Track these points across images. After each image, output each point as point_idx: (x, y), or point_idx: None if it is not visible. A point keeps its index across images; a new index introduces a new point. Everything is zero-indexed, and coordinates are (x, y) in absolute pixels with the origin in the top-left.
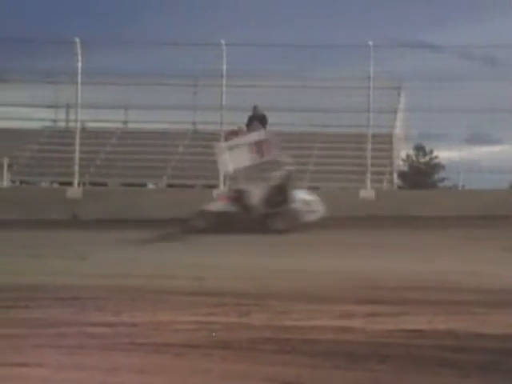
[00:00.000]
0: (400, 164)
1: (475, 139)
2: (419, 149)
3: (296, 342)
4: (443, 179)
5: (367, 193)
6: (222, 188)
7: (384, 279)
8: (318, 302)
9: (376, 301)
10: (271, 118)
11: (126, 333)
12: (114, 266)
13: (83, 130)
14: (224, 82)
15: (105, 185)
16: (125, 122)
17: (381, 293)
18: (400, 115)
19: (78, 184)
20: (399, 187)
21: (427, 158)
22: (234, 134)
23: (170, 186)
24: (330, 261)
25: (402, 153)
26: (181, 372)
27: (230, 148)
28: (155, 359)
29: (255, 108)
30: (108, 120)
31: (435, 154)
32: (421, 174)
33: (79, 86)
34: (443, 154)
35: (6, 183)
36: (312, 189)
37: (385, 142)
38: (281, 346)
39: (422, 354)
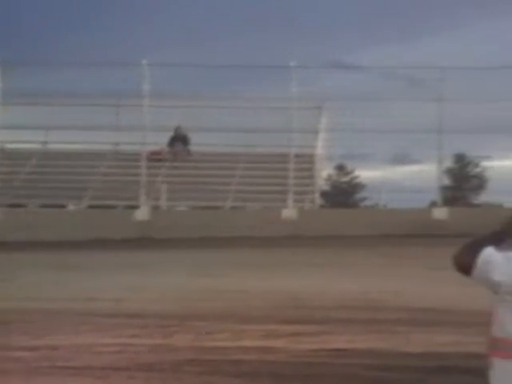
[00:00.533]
0: (322, 183)
1: (396, 159)
2: (341, 168)
3: (219, 362)
4: (364, 198)
5: (289, 212)
6: (144, 208)
7: (309, 298)
8: (243, 322)
9: (300, 320)
10: (194, 138)
11: (48, 356)
12: (35, 288)
13: (2, 150)
14: (146, 102)
15: (24, 206)
16: (45, 143)
17: (305, 312)
18: (322, 135)
19: None
20: (321, 206)
21: (348, 178)
22: (156, 154)
23: (91, 206)
24: (254, 280)
25: (324, 172)
26: None
27: None
28: (77, 382)
29: (177, 128)
30: (28, 141)
31: (356, 173)
32: (343, 194)
33: None
34: (365, 174)
35: None
36: (235, 208)
37: (307, 161)
38: (205, 367)
39: (344, 373)
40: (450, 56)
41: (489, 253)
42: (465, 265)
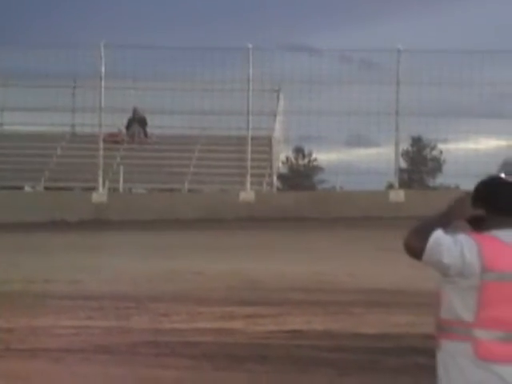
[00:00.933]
0: (280, 166)
1: (354, 142)
2: (298, 151)
3: (176, 344)
4: (322, 181)
5: (247, 195)
6: (101, 190)
7: (265, 281)
8: (199, 303)
9: (257, 302)
10: (151, 120)
11: (2, 338)
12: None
13: None
14: (103, 83)
15: None
16: (0, 125)
17: (262, 294)
18: (279, 118)
19: None
20: (279, 189)
21: (306, 161)
22: (113, 136)
23: (47, 188)
24: (210, 263)
25: (282, 155)
26: (58, 377)
27: None
28: (32, 364)
29: (135, 110)
30: None
31: (314, 156)
32: (300, 176)
33: None
34: (322, 157)
35: None
36: (192, 191)
37: (264, 144)
38: (160, 349)
39: (301, 354)
40: (406, 39)
41: (438, 236)
42: (415, 249)
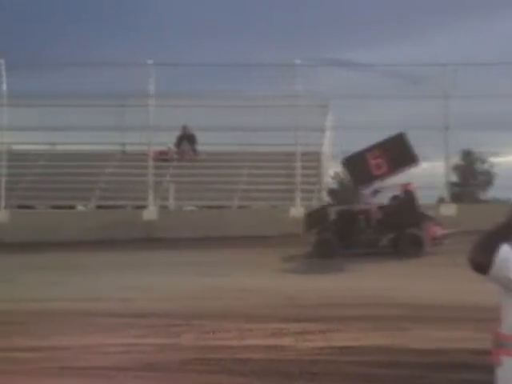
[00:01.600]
0: (329, 181)
1: None
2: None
3: (227, 361)
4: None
5: (297, 211)
6: (152, 208)
7: (313, 297)
8: (248, 321)
9: (305, 319)
10: (201, 137)
11: (54, 357)
12: (42, 289)
13: (9, 152)
14: (152, 102)
15: (32, 207)
16: (52, 144)
17: (310, 311)
18: (328, 133)
19: (5, 207)
20: (329, 204)
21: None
22: (163, 154)
23: (99, 207)
24: (259, 280)
25: (331, 170)
26: None
27: None
28: (85, 383)
29: (184, 128)
30: (35, 142)
31: None
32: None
33: (5, 108)
34: None
35: None
36: (242, 207)
37: (313, 159)
38: (211, 366)
39: (351, 371)
40: (453, 53)
41: (506, 250)
42: (481, 264)
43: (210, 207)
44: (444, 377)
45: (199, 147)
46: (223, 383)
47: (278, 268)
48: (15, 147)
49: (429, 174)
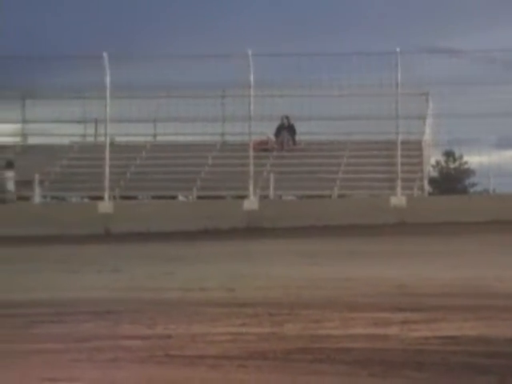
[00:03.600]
0: (430, 170)
1: (504, 143)
2: (449, 154)
3: (330, 350)
4: (474, 184)
5: (398, 200)
6: (252, 198)
7: (417, 286)
8: (351, 310)
9: (409, 308)
10: (299, 127)
11: (161, 345)
12: (148, 279)
13: (112, 144)
14: (252, 92)
15: (135, 198)
16: (154, 135)
17: (413, 300)
18: (428, 121)
19: (109, 198)
20: (430, 194)
21: (457, 164)
22: (263, 144)
23: (200, 197)
24: (362, 268)
25: (432, 159)
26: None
27: None
28: (190, 372)
29: (284, 118)
30: (137, 134)
31: (465, 159)
32: (451, 180)
33: (108, 101)
34: (473, 159)
35: (37, 199)
36: (342, 197)
37: (414, 148)
38: (315, 356)
39: (457, 361)
40: None
41: None
42: None
43: (309, 197)
44: None
45: (298, 137)
46: (327, 372)
47: (383, 256)
48: (118, 139)
49: None
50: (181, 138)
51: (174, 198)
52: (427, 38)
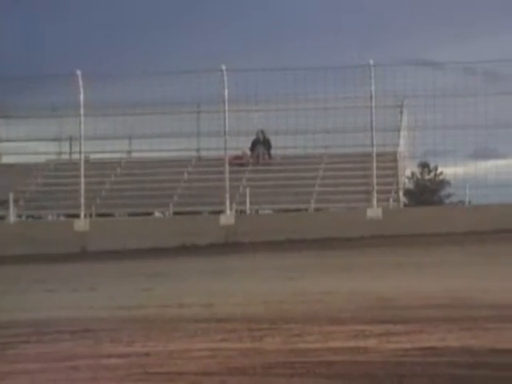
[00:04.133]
0: (405, 182)
1: (480, 154)
2: (424, 166)
3: (311, 364)
4: (450, 195)
5: (374, 212)
6: (229, 213)
7: (396, 298)
8: (332, 323)
9: (389, 320)
10: (274, 141)
11: (140, 363)
12: (125, 297)
13: (87, 161)
14: (226, 107)
15: (112, 215)
16: (129, 152)
17: (394, 312)
18: (403, 133)
19: (85, 216)
20: (406, 205)
21: (432, 175)
22: (238, 158)
23: (176, 213)
24: (340, 281)
25: (407, 171)
26: None
27: None
28: None
29: (259, 132)
30: (112, 150)
31: (440, 170)
32: (427, 191)
33: (82, 118)
34: (448, 171)
35: (12, 218)
36: (319, 210)
37: (389, 160)
38: (296, 370)
39: (438, 372)
40: None
41: None
42: None
43: (286, 210)
44: None
45: (274, 151)
46: None
47: (360, 270)
48: (93, 156)
49: (507, 172)
50: (156, 155)
51: (150, 214)
52: (405, 50)
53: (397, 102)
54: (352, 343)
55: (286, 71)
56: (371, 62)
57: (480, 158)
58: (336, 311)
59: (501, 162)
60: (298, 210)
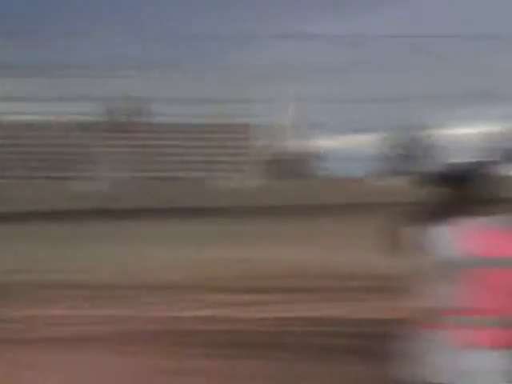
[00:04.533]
0: (280, 153)
1: (353, 128)
2: (298, 138)
3: (185, 333)
4: (322, 168)
5: (246, 183)
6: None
7: (264, 268)
8: (205, 292)
9: (256, 290)
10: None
11: (16, 328)
12: (10, 262)
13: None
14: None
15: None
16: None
17: (261, 282)
18: (280, 105)
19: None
20: (278, 177)
21: (306, 148)
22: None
23: (32, 178)
24: (216, 251)
25: (283, 142)
26: (73, 365)
27: None
28: (46, 354)
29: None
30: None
31: (314, 143)
32: (300, 164)
33: None
34: (322, 144)
35: None
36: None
37: (266, 132)
38: (171, 338)
39: (298, 341)
40: (406, 25)
41: (433, 230)
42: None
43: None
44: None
45: (148, 119)
46: (196, 355)
47: (236, 240)
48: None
49: (376, 146)
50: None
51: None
52: (282, 22)
53: (276, 74)
54: (224, 312)
55: (165, 38)
56: (245, 33)
57: (352, 131)
58: (203, 280)
59: (371, 137)
60: (171, 178)
